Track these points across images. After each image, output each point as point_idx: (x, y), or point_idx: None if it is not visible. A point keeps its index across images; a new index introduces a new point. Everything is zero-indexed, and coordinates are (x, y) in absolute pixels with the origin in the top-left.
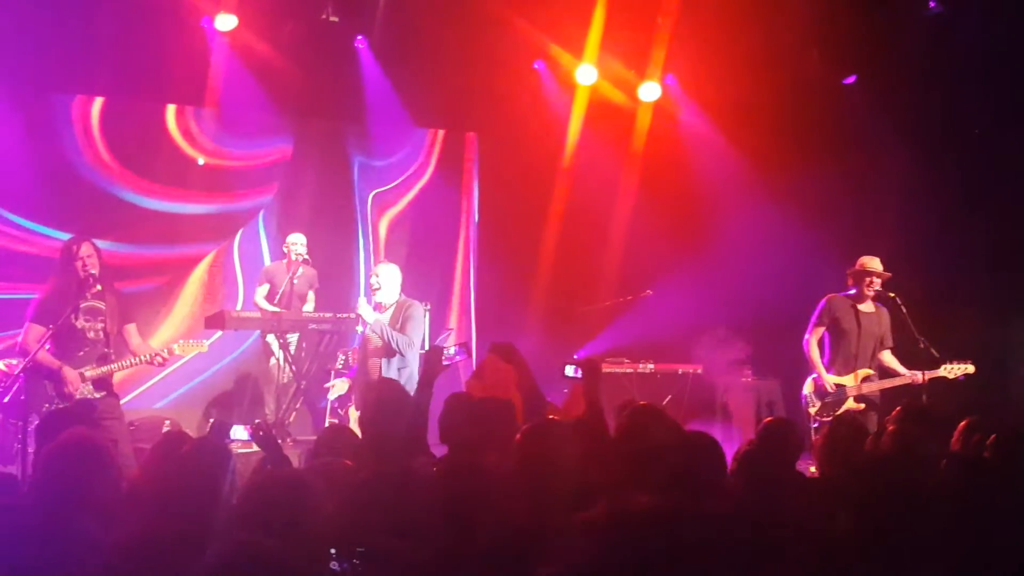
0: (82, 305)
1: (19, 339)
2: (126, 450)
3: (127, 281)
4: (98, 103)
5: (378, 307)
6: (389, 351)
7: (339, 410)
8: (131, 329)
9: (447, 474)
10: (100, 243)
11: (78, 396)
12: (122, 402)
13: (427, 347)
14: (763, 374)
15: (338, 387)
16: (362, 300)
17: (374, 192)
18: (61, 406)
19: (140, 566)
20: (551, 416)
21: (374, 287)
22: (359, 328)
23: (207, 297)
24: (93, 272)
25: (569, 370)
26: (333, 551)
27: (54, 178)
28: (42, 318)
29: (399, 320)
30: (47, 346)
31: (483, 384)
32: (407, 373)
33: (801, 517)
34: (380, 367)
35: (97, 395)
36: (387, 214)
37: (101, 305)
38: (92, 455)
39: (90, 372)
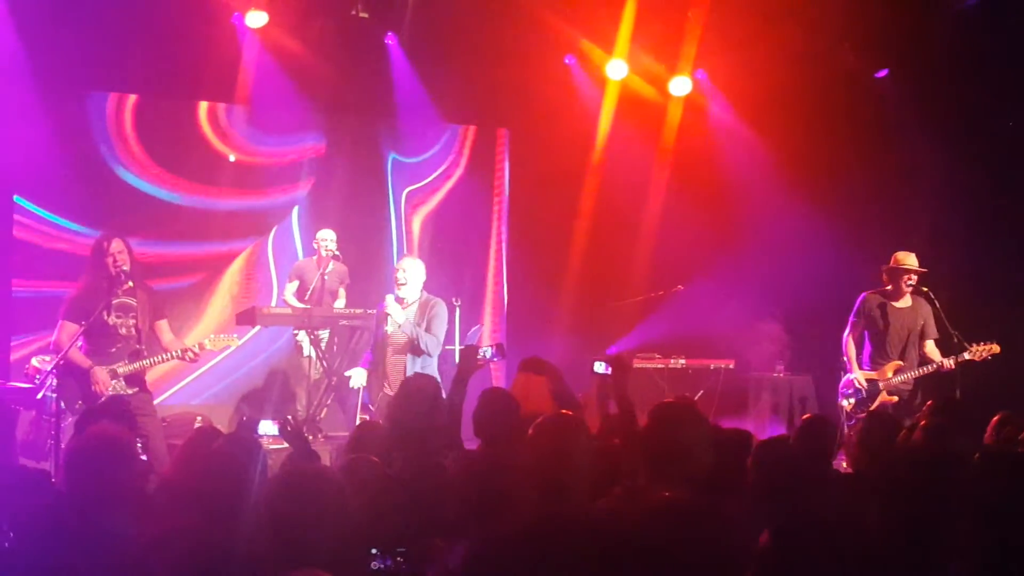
0: (113, 302)
1: (53, 337)
2: (159, 446)
3: (162, 278)
4: (131, 101)
5: (400, 302)
6: (415, 349)
7: (370, 406)
8: (163, 325)
9: (473, 468)
10: (134, 241)
11: (110, 392)
12: (159, 400)
13: (457, 343)
14: (796, 369)
15: (356, 377)
16: (391, 299)
17: (407, 189)
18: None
19: (170, 561)
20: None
21: (400, 282)
22: (388, 328)
23: (242, 294)
24: (124, 268)
25: (599, 366)
26: (375, 550)
27: (88, 176)
28: (74, 315)
29: (424, 318)
30: (80, 344)
31: (520, 398)
32: (430, 371)
33: (836, 514)
34: (405, 365)
35: (130, 391)
36: (420, 211)
37: (132, 301)
38: (114, 450)
39: (122, 368)
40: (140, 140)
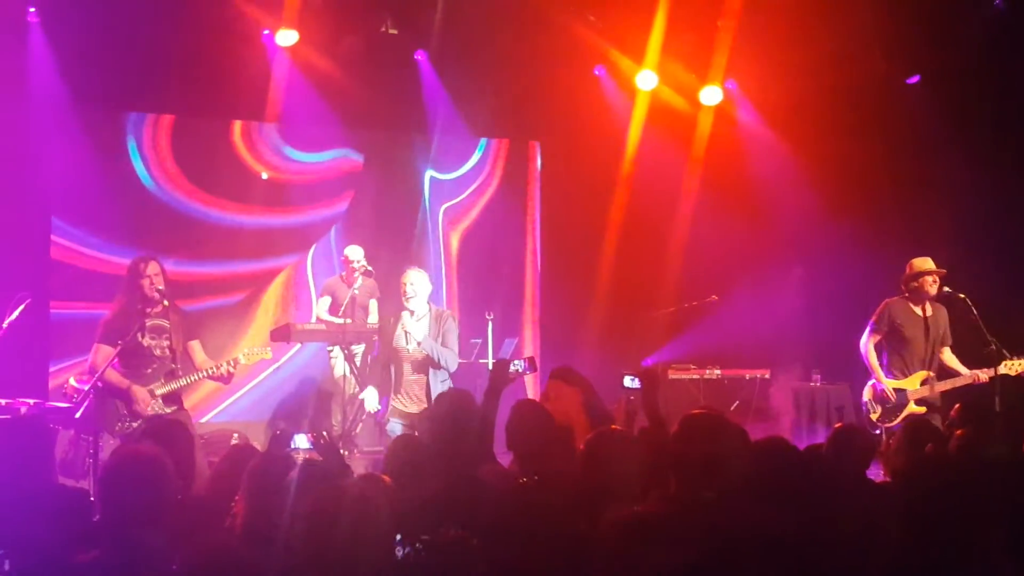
0: (148, 323)
1: (88, 359)
2: (198, 463)
3: (202, 297)
4: (167, 121)
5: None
6: (434, 364)
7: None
8: (195, 346)
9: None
10: (173, 261)
11: (149, 412)
12: (204, 419)
13: (490, 357)
14: (832, 379)
15: (370, 400)
16: (407, 317)
17: (445, 205)
18: (134, 424)
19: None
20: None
21: (408, 295)
22: (408, 347)
23: (283, 311)
24: (160, 289)
25: (628, 380)
26: (399, 537)
27: (126, 197)
28: (109, 337)
29: (439, 333)
30: (115, 365)
31: (551, 408)
32: (447, 386)
33: (870, 523)
34: (427, 381)
35: (168, 410)
36: (458, 227)
37: (165, 323)
38: (148, 470)
39: (160, 389)
40: (176, 160)
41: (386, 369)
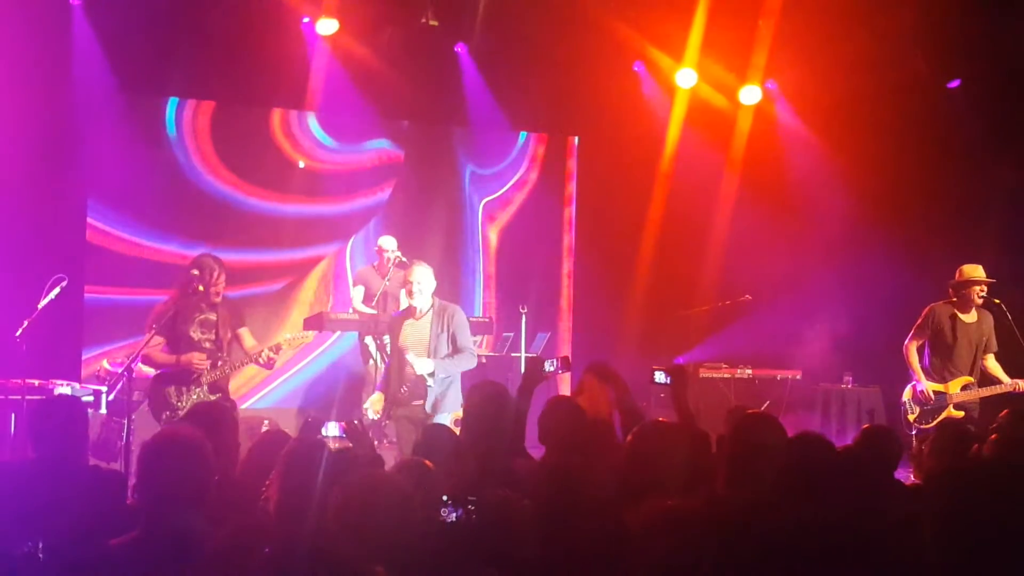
0: (197, 316)
1: (142, 349)
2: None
3: (240, 285)
4: (207, 108)
5: (410, 311)
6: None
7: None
8: (244, 333)
9: (550, 474)
10: (210, 248)
11: (195, 399)
12: (242, 407)
13: (523, 351)
14: (864, 381)
15: (374, 404)
16: (412, 356)
17: (485, 200)
18: (181, 413)
19: (239, 560)
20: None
21: (414, 292)
22: (427, 378)
23: (322, 300)
24: (216, 297)
25: (659, 376)
26: (445, 497)
27: (164, 183)
28: (161, 329)
29: (445, 328)
30: (162, 349)
31: (584, 403)
32: (447, 383)
33: (900, 525)
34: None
35: (212, 398)
36: (497, 221)
37: (213, 316)
38: (185, 451)
39: (206, 377)
40: (215, 147)
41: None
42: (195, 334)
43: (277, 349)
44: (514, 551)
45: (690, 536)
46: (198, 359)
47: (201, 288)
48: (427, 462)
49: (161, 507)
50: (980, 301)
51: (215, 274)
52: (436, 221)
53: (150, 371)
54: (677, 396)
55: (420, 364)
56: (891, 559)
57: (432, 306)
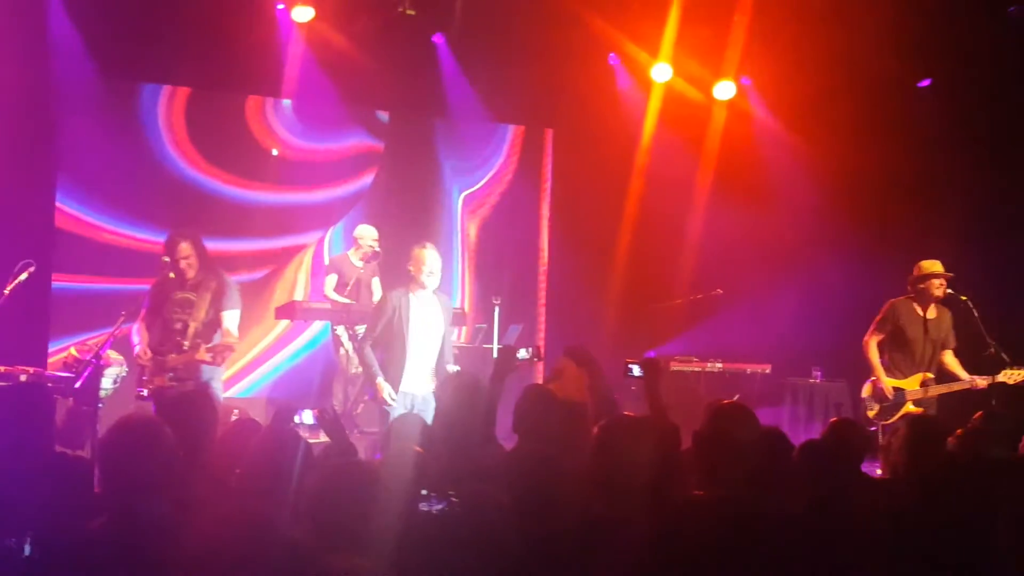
0: (176, 295)
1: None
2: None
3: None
4: (182, 95)
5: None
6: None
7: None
8: (225, 316)
9: (521, 464)
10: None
11: (156, 382)
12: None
13: (495, 342)
14: (832, 376)
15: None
16: (424, 298)
17: (464, 192)
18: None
19: (213, 547)
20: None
21: (430, 272)
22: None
23: (300, 290)
24: (188, 270)
25: (634, 369)
26: (424, 491)
27: (138, 170)
28: (128, 313)
29: (449, 322)
30: (143, 334)
31: (558, 387)
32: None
33: (867, 517)
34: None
35: (174, 384)
36: (476, 213)
37: (192, 296)
38: (141, 436)
39: (172, 362)
40: (190, 134)
41: (388, 350)
42: (168, 314)
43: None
44: (495, 543)
45: (669, 528)
46: (149, 367)
47: (173, 275)
48: (417, 448)
49: (125, 494)
50: (940, 295)
51: (178, 245)
52: (415, 212)
53: (118, 357)
54: (650, 389)
55: (419, 385)
56: (858, 550)
57: (440, 300)
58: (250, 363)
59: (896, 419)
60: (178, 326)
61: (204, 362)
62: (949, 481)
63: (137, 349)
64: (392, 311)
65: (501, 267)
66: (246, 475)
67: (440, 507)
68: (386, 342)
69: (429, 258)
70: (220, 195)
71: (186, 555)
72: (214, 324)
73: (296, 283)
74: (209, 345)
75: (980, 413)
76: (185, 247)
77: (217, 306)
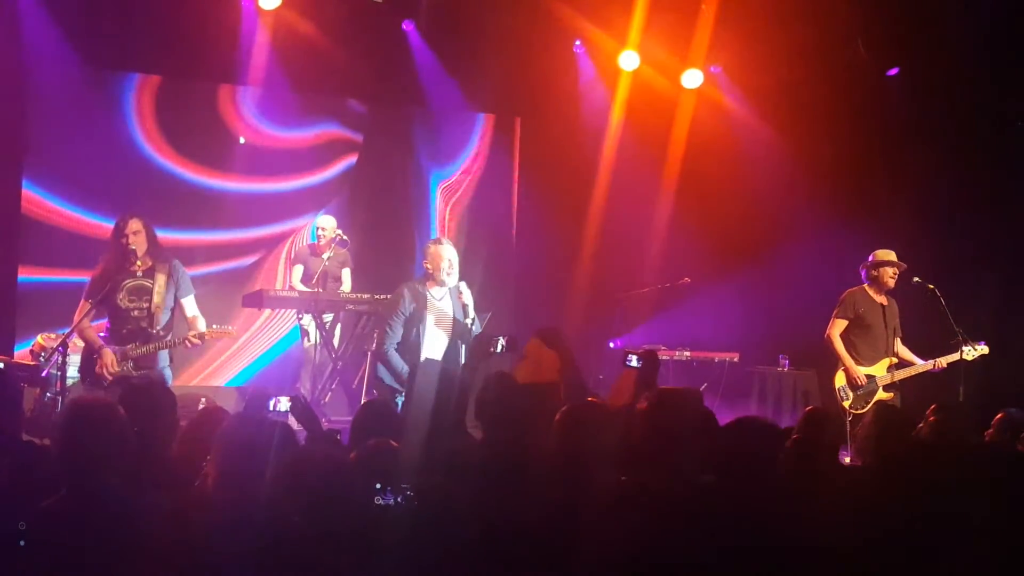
0: (128, 283)
1: (75, 316)
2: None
3: (200, 264)
4: (152, 83)
5: (439, 283)
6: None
7: (374, 390)
8: (187, 302)
9: (491, 455)
10: (178, 230)
11: (111, 373)
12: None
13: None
14: (799, 364)
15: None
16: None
17: (438, 181)
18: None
19: (179, 534)
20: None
21: (449, 271)
22: (460, 319)
23: (273, 281)
24: (134, 248)
25: (632, 360)
26: (379, 485)
27: (109, 159)
28: (91, 294)
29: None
30: (93, 322)
31: (528, 368)
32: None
33: (842, 506)
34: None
35: (135, 373)
36: (449, 202)
37: (149, 283)
38: (96, 414)
39: (135, 351)
40: (160, 122)
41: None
42: (123, 303)
43: (201, 337)
44: (454, 536)
45: (635, 516)
46: (109, 363)
47: (123, 249)
48: (393, 443)
49: (80, 470)
50: (892, 284)
51: (128, 221)
52: (392, 201)
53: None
54: (647, 379)
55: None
56: (834, 538)
57: (460, 290)
58: (235, 353)
59: (871, 407)
60: (136, 313)
61: (195, 344)
62: (916, 467)
63: (91, 336)
64: (409, 310)
65: (473, 256)
66: (213, 464)
67: (395, 500)
68: (403, 340)
69: (447, 253)
70: (194, 185)
71: (152, 543)
72: (174, 311)
73: (277, 273)
74: (205, 331)
75: (936, 405)
76: (135, 223)
77: (176, 292)
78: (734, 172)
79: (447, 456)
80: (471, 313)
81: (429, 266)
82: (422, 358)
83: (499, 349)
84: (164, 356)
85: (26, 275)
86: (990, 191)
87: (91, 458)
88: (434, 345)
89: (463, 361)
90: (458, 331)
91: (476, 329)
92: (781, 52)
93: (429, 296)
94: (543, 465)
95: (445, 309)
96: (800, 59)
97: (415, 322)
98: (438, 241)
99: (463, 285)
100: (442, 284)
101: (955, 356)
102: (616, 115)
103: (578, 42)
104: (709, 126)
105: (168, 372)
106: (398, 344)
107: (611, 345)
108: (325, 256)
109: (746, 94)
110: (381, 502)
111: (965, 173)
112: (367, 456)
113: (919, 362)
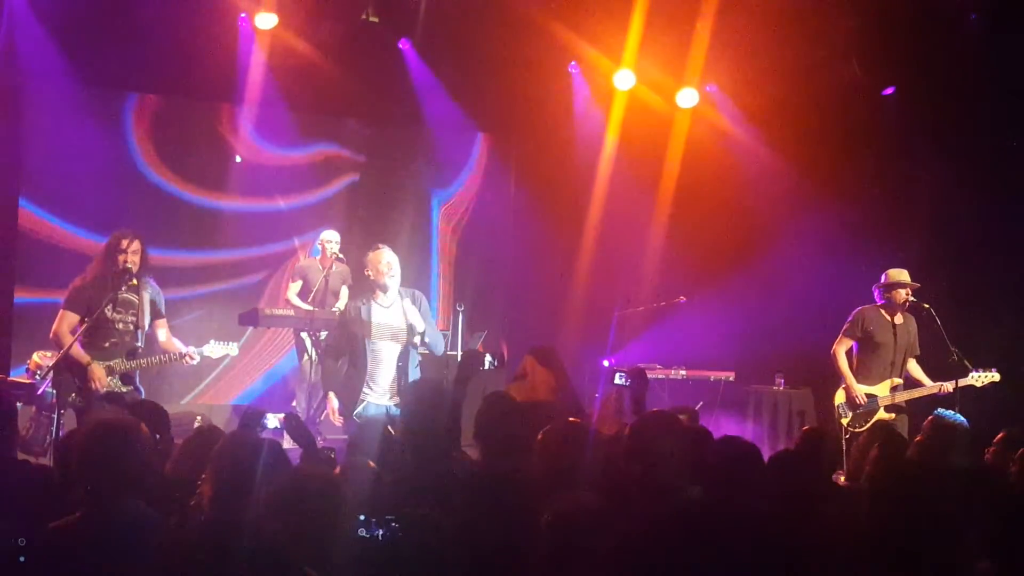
0: (119, 297)
1: (53, 326)
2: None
3: (193, 285)
4: (150, 103)
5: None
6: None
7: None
8: (160, 325)
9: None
10: (176, 249)
11: (103, 390)
12: (183, 402)
13: (459, 348)
14: (795, 383)
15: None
16: (387, 302)
17: (440, 203)
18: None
19: (185, 553)
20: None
21: (391, 274)
22: (406, 334)
23: (271, 299)
24: (130, 267)
25: (619, 378)
26: (362, 517)
27: (108, 177)
28: (77, 306)
29: (418, 313)
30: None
31: (522, 386)
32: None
33: (834, 526)
34: (405, 370)
35: (124, 389)
36: (450, 221)
37: (135, 299)
38: (120, 433)
39: (121, 366)
40: (157, 141)
41: (353, 363)
42: (111, 314)
43: (199, 355)
44: (439, 568)
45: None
46: (97, 381)
47: (119, 265)
48: (370, 463)
49: (101, 490)
50: (906, 304)
51: (133, 240)
52: (391, 220)
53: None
54: (636, 397)
55: (416, 318)
56: (828, 559)
57: (399, 295)
58: (209, 370)
59: (869, 426)
60: (121, 326)
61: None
62: (916, 489)
63: (77, 352)
64: (351, 322)
65: (467, 274)
66: (208, 483)
67: (380, 533)
68: (351, 353)
69: (385, 257)
70: (191, 203)
71: (161, 559)
72: (152, 331)
73: (269, 292)
74: (203, 349)
75: (929, 420)
76: (137, 243)
77: (155, 312)
78: (730, 191)
79: (435, 480)
80: (425, 319)
81: (370, 273)
82: (367, 372)
83: (487, 365)
84: (137, 375)
85: (22, 295)
86: (987, 208)
87: (115, 480)
88: (381, 358)
89: (414, 365)
90: (410, 339)
91: (434, 336)
92: (776, 71)
93: (373, 307)
94: (533, 487)
95: (392, 319)
96: (796, 78)
97: (361, 335)
98: (375, 247)
99: (417, 293)
100: (385, 289)
101: (963, 381)
102: (612, 134)
103: (573, 62)
104: (705, 145)
105: (142, 388)
106: (350, 356)
107: (605, 363)
108: (327, 272)
109: (742, 113)
110: (365, 534)
111: (961, 191)
112: (349, 474)
113: (928, 383)
